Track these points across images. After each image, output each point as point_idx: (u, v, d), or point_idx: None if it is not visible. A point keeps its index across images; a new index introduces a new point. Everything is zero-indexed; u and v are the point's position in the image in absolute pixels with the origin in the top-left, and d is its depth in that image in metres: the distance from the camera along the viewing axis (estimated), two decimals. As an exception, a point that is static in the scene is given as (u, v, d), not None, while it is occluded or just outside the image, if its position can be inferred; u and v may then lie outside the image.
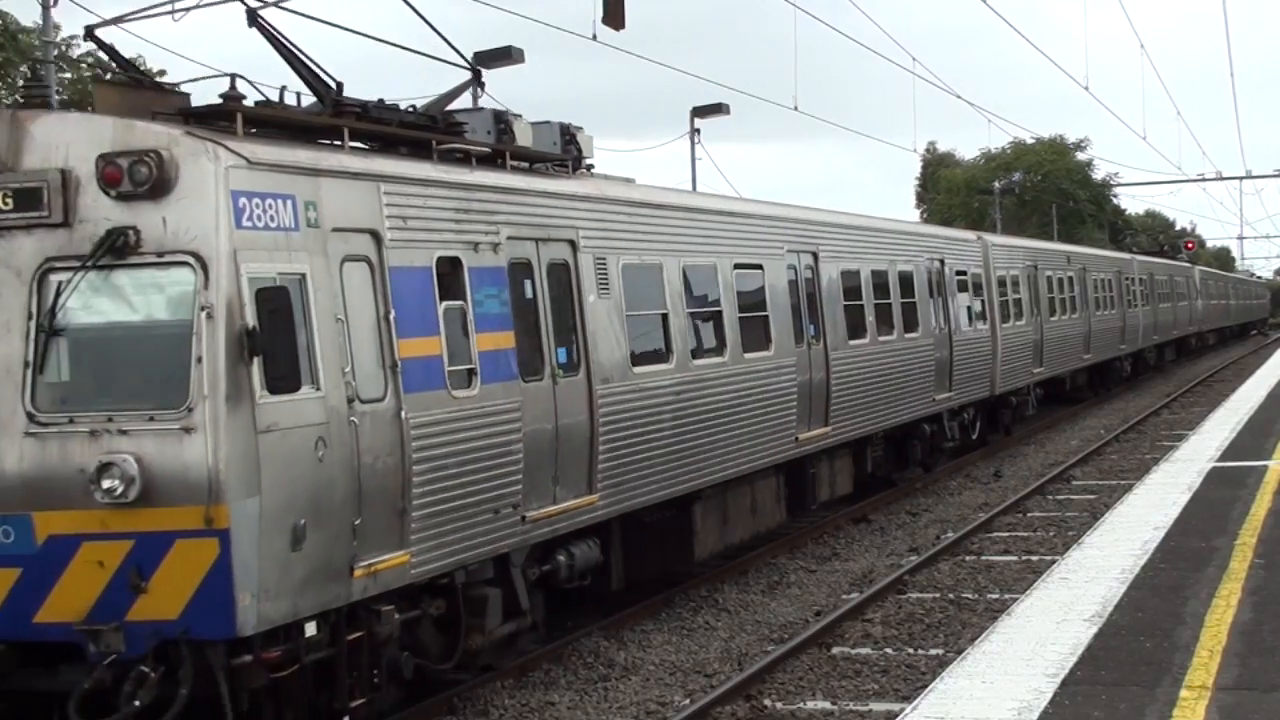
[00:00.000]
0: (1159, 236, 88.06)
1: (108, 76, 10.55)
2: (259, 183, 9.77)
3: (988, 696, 7.92)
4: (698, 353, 15.73)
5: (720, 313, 16.41)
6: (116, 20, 11.16)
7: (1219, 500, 14.93)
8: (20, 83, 23.77)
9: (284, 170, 10.06)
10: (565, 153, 14.59)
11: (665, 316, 15.11)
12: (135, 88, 10.91)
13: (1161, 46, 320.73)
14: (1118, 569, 11.36)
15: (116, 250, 9.47)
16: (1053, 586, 10.96)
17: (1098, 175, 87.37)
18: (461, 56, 13.24)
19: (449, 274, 11.56)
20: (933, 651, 13.10)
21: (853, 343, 20.31)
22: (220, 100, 10.70)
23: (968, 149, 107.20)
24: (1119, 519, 14.19)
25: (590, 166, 15.39)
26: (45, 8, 19.22)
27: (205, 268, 9.34)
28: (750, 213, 18.49)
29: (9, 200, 9.67)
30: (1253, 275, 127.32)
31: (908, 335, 22.71)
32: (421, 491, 10.82)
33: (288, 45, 11.52)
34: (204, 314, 9.26)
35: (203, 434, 9.20)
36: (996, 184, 77.27)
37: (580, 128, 14.98)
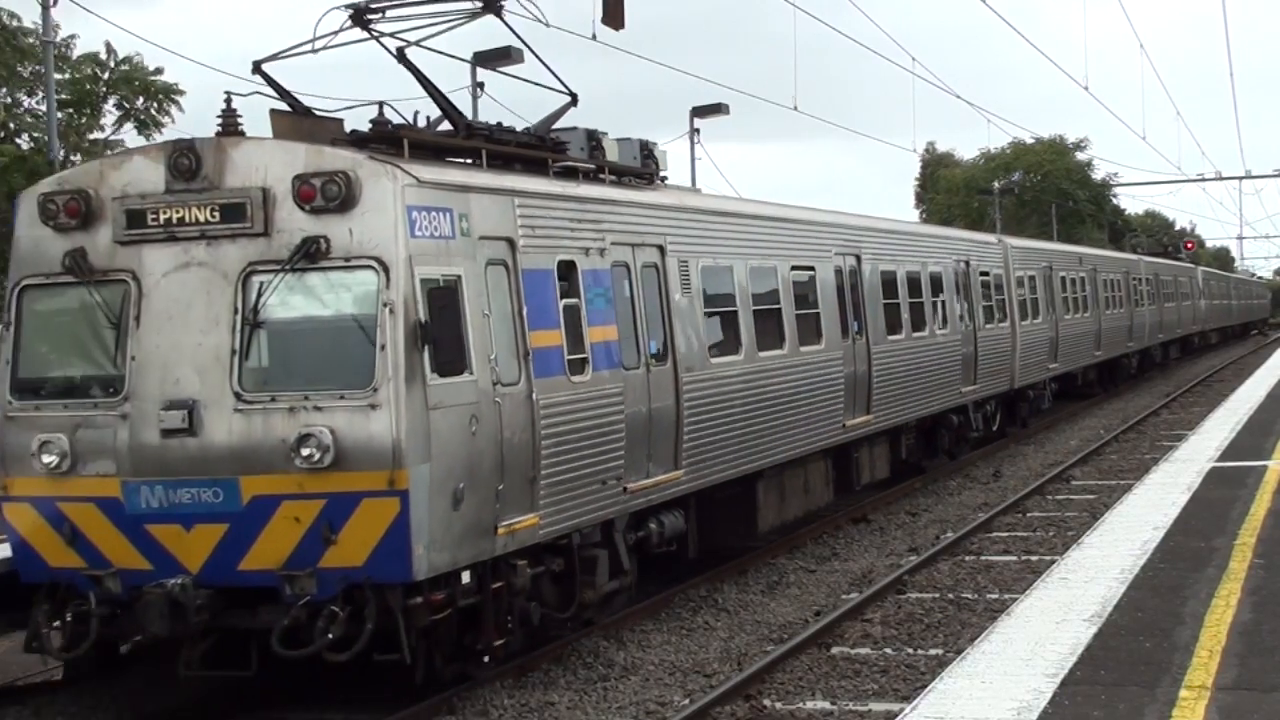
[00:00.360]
0: (1162, 238, 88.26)
1: (274, 107, 12.74)
2: (426, 199, 11.56)
3: (987, 696, 7.92)
4: (762, 345, 17.42)
5: (780, 309, 18.15)
6: (275, 56, 13.23)
7: (1218, 500, 14.93)
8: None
9: (444, 188, 11.88)
10: (644, 167, 16.47)
11: (735, 313, 16.89)
12: (301, 116, 12.69)
13: (1161, 47, 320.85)
14: (1117, 569, 11.36)
15: (310, 256, 11.18)
16: (1052, 586, 10.96)
17: (1097, 175, 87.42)
18: (560, 82, 15.05)
19: (566, 275, 13.35)
20: (932, 651, 13.10)
21: (891, 338, 22.01)
22: (371, 125, 12.53)
23: (967, 149, 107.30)
24: (1118, 519, 14.19)
25: (664, 178, 17.19)
26: (45, 8, 19.22)
27: (386, 270, 11.09)
28: (804, 219, 20.31)
29: (216, 214, 11.39)
30: (1253, 275, 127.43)
31: (938, 332, 24.48)
32: (548, 463, 12.56)
33: (429, 81, 13.53)
34: (386, 309, 11.01)
35: (386, 410, 10.95)
36: (996, 184, 77.27)
37: (655, 143, 16.79)
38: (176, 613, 10.96)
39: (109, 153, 10.27)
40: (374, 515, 10.97)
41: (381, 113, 12.63)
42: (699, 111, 35.53)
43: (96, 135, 25.94)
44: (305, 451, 11.00)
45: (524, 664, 13.33)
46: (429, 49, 14.00)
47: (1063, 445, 30.30)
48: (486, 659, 12.18)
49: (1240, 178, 77.83)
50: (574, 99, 15.07)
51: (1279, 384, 31.36)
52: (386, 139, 12.36)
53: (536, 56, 15.03)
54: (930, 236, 27.02)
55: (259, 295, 11.30)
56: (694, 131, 35.53)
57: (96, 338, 11.85)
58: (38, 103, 25.03)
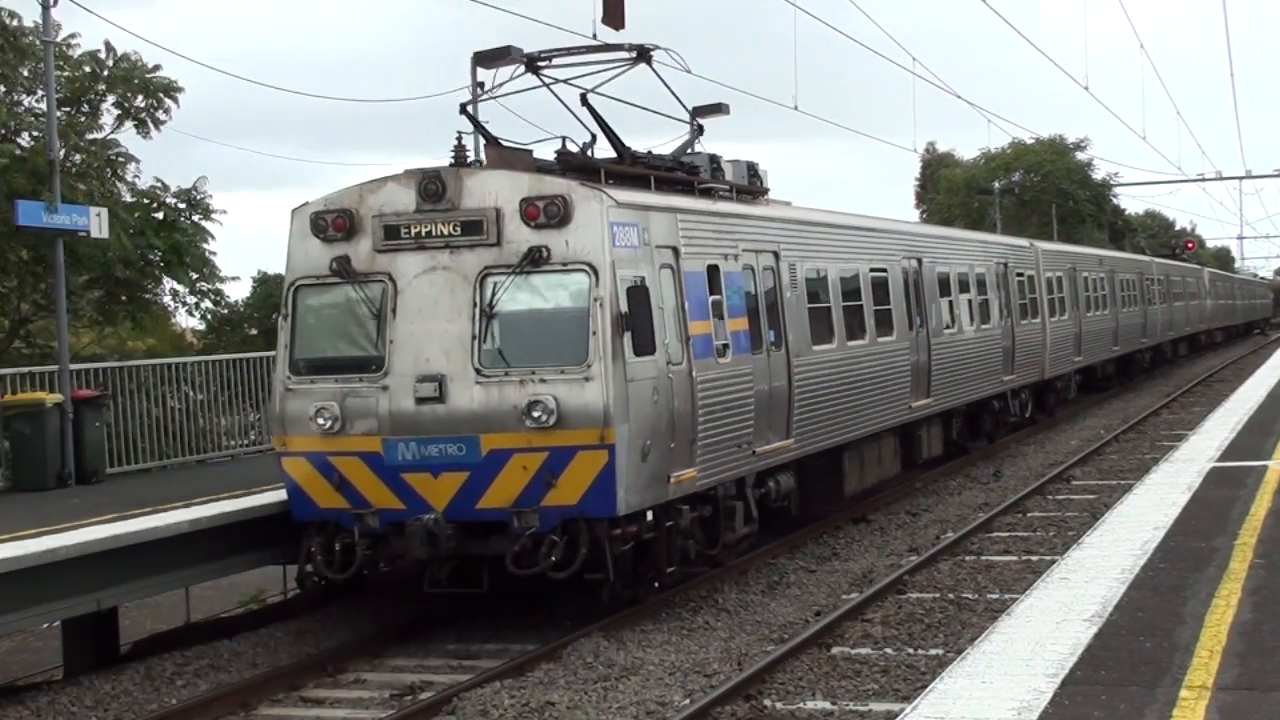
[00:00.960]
0: (1170, 240, 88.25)
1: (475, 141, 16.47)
2: (621, 216, 14.45)
3: (987, 696, 7.92)
4: (849, 336, 20.34)
5: (862, 305, 21.11)
6: (472, 100, 16.84)
7: (1219, 500, 14.92)
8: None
9: (632, 207, 14.81)
10: (751, 184, 19.47)
11: (829, 308, 19.82)
12: (505, 148, 15.80)
13: (1161, 46, 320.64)
14: (1117, 569, 11.36)
15: (534, 261, 14.06)
16: (1052, 586, 10.95)
17: (1097, 175, 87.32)
18: (689, 114, 18.20)
19: (712, 277, 16.09)
20: (932, 651, 13.10)
21: (946, 331, 25.09)
22: (556, 156, 15.60)
23: (967, 149, 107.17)
24: (1119, 519, 14.18)
25: (767, 192, 20.08)
26: (45, 8, 19.20)
27: (596, 273, 13.98)
28: (878, 228, 23.62)
29: (458, 228, 14.33)
30: (1256, 276, 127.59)
31: (983, 326, 27.56)
32: (703, 427, 15.34)
33: (603, 119, 16.55)
34: (596, 303, 13.88)
35: (598, 382, 13.84)
36: (996, 184, 77.24)
37: (757, 163, 19.72)
38: (432, 541, 13.89)
39: (363, 181, 13.62)
40: (587, 464, 13.84)
41: (564, 145, 15.89)
42: (699, 111, 35.42)
43: (95, 135, 25.87)
44: (534, 414, 13.89)
45: (522, 663, 13.37)
46: (600, 93, 16.83)
47: (1063, 445, 30.30)
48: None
49: (1240, 178, 77.76)
50: (701, 130, 18.51)
51: (1279, 384, 31.35)
52: (586, 168, 15.57)
53: (672, 93, 18.21)
54: (976, 241, 30.46)
55: (493, 292, 14.24)
56: (694, 131, 35.41)
57: (360, 326, 14.86)
58: (37, 101, 24.98)
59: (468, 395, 14.15)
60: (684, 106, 18.07)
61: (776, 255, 18.14)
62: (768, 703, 11.72)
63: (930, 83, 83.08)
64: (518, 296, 14.32)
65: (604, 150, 16.73)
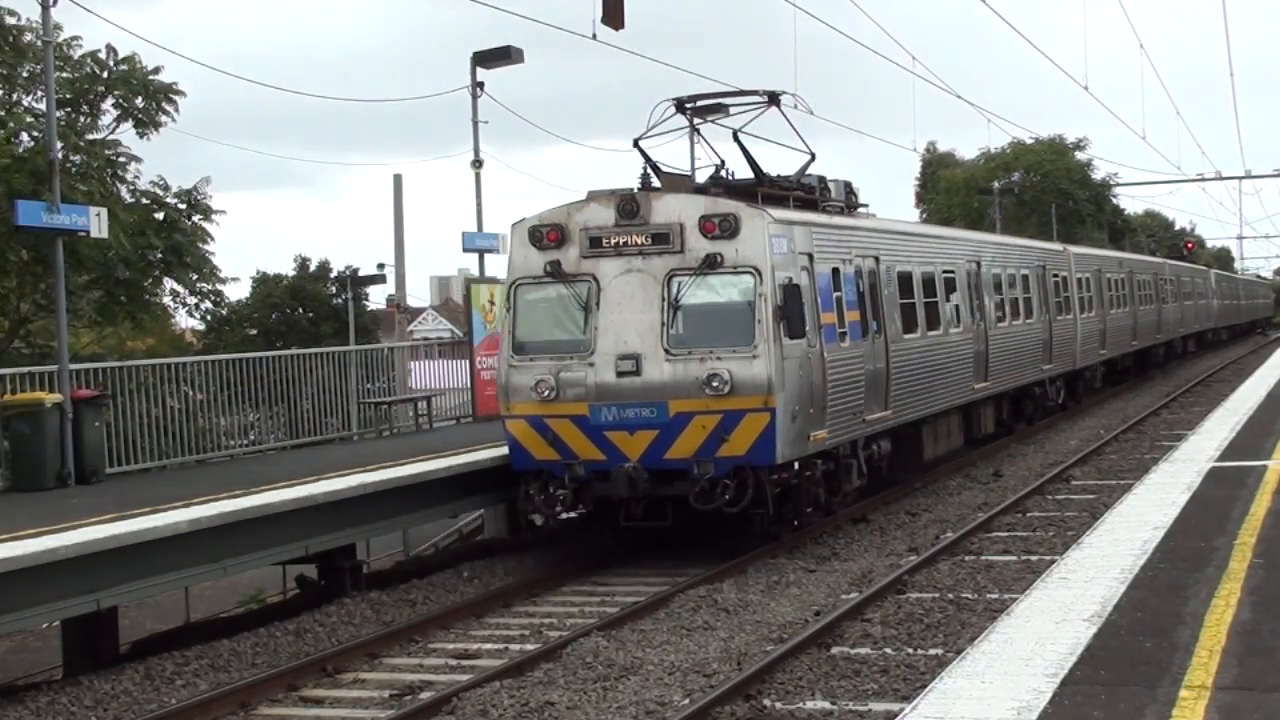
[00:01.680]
0: (1179, 242, 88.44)
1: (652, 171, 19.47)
2: (777, 230, 18.08)
3: (987, 696, 7.91)
4: (929, 326, 23.99)
5: (937, 301, 24.61)
6: (644, 135, 19.83)
7: (1218, 500, 14.91)
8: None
9: (784, 222, 18.51)
10: (849, 200, 22.79)
11: (914, 303, 23.33)
12: (674, 176, 19.63)
13: (1161, 46, 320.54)
14: (1117, 569, 11.35)
15: (710, 265, 17.72)
16: (1052, 586, 10.94)
17: (1097, 175, 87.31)
18: (803, 142, 21.32)
19: (834, 277, 19.75)
20: (932, 651, 13.09)
21: (999, 324, 28.63)
22: (710, 179, 20.04)
23: (967, 149, 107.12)
24: (1118, 519, 14.17)
25: (865, 206, 24.05)
26: (45, 8, 19.18)
27: (759, 274, 17.62)
28: (947, 235, 28.82)
29: (649, 239, 17.98)
30: (1259, 277, 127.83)
31: (1027, 320, 31.21)
32: (830, 398, 19.00)
33: (749, 152, 20.12)
34: (760, 298, 17.47)
35: (763, 359, 17.50)
36: (996, 184, 77.23)
37: (850, 181, 22.95)
38: (631, 484, 17.54)
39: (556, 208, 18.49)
40: (753, 424, 17.43)
41: (719, 169, 20.26)
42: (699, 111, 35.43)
43: (94, 136, 25.84)
44: (713, 384, 17.52)
45: (521, 663, 13.38)
46: (737, 129, 20.31)
47: (1063, 445, 30.29)
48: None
49: (1240, 177, 77.82)
50: (813, 156, 21.40)
51: (1279, 384, 31.34)
52: (738, 190, 19.38)
53: (789, 121, 21.03)
54: (1022, 246, 34.36)
55: (677, 289, 17.89)
56: (693, 131, 35.42)
57: (570, 316, 18.36)
58: (36, 101, 24.96)
59: (658, 370, 17.86)
60: (803, 140, 21.46)
61: (877, 259, 21.86)
62: (767, 703, 11.72)
63: (930, 82, 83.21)
64: (697, 293, 18.03)
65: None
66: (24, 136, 24.42)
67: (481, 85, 26.66)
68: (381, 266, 64.41)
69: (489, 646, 14.76)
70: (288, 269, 64.08)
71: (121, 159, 26.00)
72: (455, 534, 29.76)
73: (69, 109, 25.24)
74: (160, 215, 26.53)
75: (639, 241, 18.09)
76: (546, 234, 18.46)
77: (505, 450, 18.84)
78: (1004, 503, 21.84)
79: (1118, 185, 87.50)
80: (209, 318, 33.66)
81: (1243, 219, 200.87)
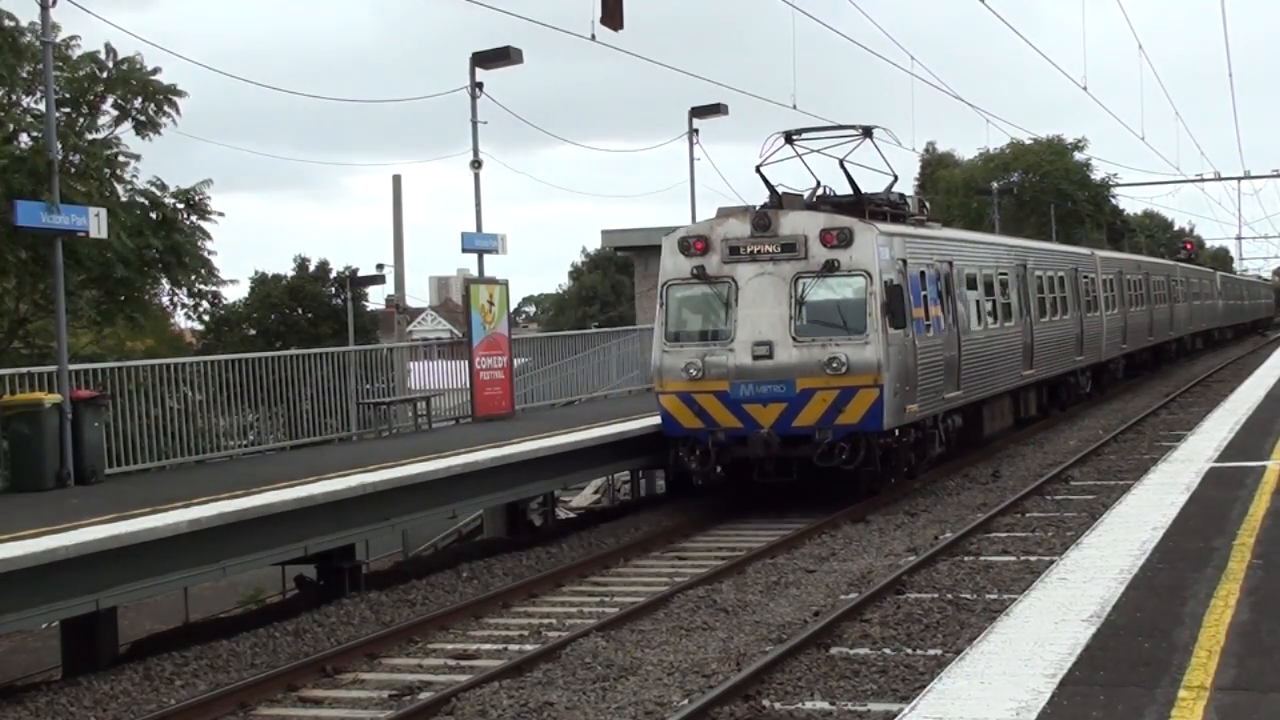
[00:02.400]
0: (1177, 244, 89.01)
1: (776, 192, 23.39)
2: (882, 240, 21.95)
3: (986, 697, 7.91)
4: (990, 320, 27.90)
5: (995, 298, 28.55)
6: (765, 161, 24.46)
7: (1217, 500, 14.90)
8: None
9: (887, 234, 22.31)
10: (921, 212, 27.01)
11: (979, 300, 27.26)
12: (792, 195, 23.28)
13: (1160, 47, 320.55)
14: (1116, 569, 11.34)
15: (829, 269, 21.49)
16: (1051, 587, 10.94)
17: (1096, 176, 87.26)
18: (887, 164, 26.38)
19: (921, 278, 23.41)
20: (931, 652, 13.09)
21: (1041, 319, 32.30)
22: (818, 198, 23.85)
23: (967, 149, 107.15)
24: (1117, 519, 14.16)
25: (935, 219, 28.66)
26: (44, 8, 19.15)
27: (870, 276, 21.43)
28: (1000, 242, 32.78)
29: (778, 248, 21.74)
30: (1260, 278, 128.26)
31: (1063, 316, 35.08)
32: (920, 378, 22.78)
33: (851, 175, 24.70)
34: (871, 296, 21.21)
35: (873, 346, 21.29)
36: (995, 184, 77.21)
37: (922, 198, 27.92)
38: (766, 447, 21.46)
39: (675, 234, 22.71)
40: (864, 398, 21.26)
41: (819, 188, 24.30)
42: (698, 111, 35.50)
43: (94, 136, 25.81)
44: (832, 365, 21.38)
45: (520, 663, 13.38)
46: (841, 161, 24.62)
47: (1062, 445, 30.29)
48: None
49: (1239, 178, 77.68)
50: (896, 177, 25.89)
51: (1278, 384, 31.33)
52: (848, 206, 23.45)
53: (876, 147, 25.23)
54: (1060, 251, 39.21)
55: (802, 289, 21.73)
56: (693, 132, 35.49)
57: (713, 310, 22.24)
58: (35, 101, 24.93)
59: (787, 354, 21.65)
60: (890, 168, 25.96)
61: (950, 263, 25.66)
62: (766, 703, 11.72)
63: (929, 83, 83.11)
64: (818, 291, 21.83)
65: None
66: (23, 138, 24.38)
67: (481, 86, 26.63)
68: (381, 267, 64.41)
69: (488, 647, 14.76)
70: (287, 269, 64.16)
71: (120, 158, 25.96)
72: (454, 534, 29.76)
73: (68, 109, 25.21)
74: (157, 215, 26.48)
75: (770, 250, 21.96)
76: (693, 244, 22.40)
77: (503, 450, 19.40)
78: (1003, 503, 21.84)
79: (1117, 186, 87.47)
80: (207, 318, 33.60)
81: (1241, 219, 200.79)
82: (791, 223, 22.02)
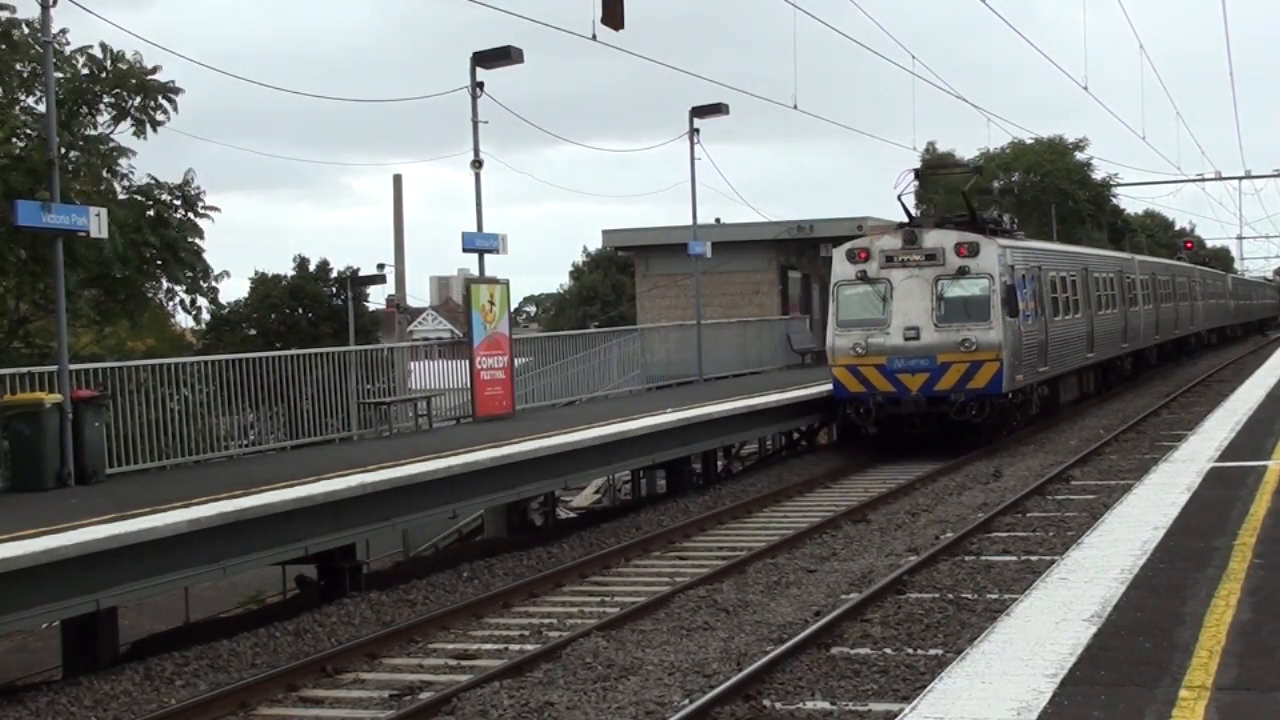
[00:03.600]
0: (1177, 244, 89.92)
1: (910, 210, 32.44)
2: (1000, 251, 29.00)
3: (987, 696, 7.91)
4: (1065, 312, 35.01)
5: (1068, 295, 35.60)
6: (900, 194, 34.83)
7: (1218, 500, 14.90)
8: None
9: (1003, 246, 29.26)
10: (1013, 226, 34.40)
11: (1057, 297, 34.16)
12: (925, 215, 32.98)
13: (1161, 47, 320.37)
14: (1117, 569, 11.34)
15: (961, 273, 28.50)
16: (1052, 586, 10.93)
17: (1097, 175, 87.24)
18: (969, 205, 34.08)
19: (1021, 279, 29.74)
20: (932, 651, 13.08)
21: (1099, 313, 39.40)
22: (940, 218, 31.96)
23: (967, 149, 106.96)
24: (1118, 519, 14.15)
25: (1015, 228, 35.28)
26: (44, 7, 19.13)
27: (992, 278, 28.44)
28: (1071, 250, 41.06)
29: (923, 257, 28.70)
30: (1266, 279, 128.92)
31: (1113, 310, 42.02)
32: (1024, 355, 29.54)
33: (969, 200, 32.80)
34: (993, 293, 28.20)
35: (994, 330, 28.29)
36: (996, 184, 77.19)
37: (1013, 216, 37.91)
38: (915, 406, 28.37)
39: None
40: (988, 369, 27.98)
41: (929, 208, 41.14)
42: (698, 111, 35.50)
43: (91, 133, 25.76)
44: (965, 344, 28.17)
45: (522, 663, 13.38)
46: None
47: (1062, 445, 30.29)
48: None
49: (1240, 178, 77.75)
50: (997, 201, 41.67)
51: (1279, 384, 31.34)
52: (967, 224, 30.86)
53: (967, 196, 33.96)
54: (1110, 256, 47.42)
55: (941, 287, 28.47)
56: (694, 131, 35.49)
57: (873, 304, 28.93)
58: (36, 101, 24.90)
59: (930, 336, 28.71)
60: (970, 204, 32.77)
61: (1040, 268, 32.64)
62: (767, 703, 11.71)
63: (930, 82, 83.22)
64: (953, 289, 28.88)
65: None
66: (20, 136, 24.33)
67: (481, 85, 26.62)
68: (381, 267, 64.42)
69: (488, 647, 14.76)
70: (287, 269, 64.10)
71: (116, 154, 25.91)
72: (455, 534, 29.76)
73: (65, 107, 25.16)
74: (153, 212, 26.44)
75: (916, 258, 29.04)
76: (858, 254, 29.52)
77: (504, 450, 19.60)
78: (1004, 503, 21.83)
79: (1117, 185, 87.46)
80: (206, 316, 33.50)
81: (1242, 219, 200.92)
82: (932, 238, 29.36)
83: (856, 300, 29.36)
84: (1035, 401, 32.05)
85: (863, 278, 29.33)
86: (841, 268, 29.66)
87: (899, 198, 31.70)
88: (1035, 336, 31.07)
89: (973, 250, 28.81)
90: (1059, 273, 34.79)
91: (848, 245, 29.84)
